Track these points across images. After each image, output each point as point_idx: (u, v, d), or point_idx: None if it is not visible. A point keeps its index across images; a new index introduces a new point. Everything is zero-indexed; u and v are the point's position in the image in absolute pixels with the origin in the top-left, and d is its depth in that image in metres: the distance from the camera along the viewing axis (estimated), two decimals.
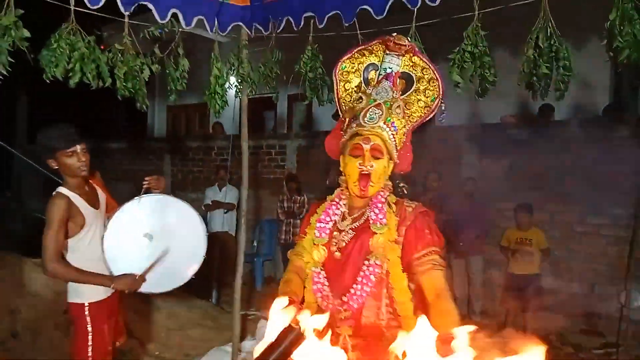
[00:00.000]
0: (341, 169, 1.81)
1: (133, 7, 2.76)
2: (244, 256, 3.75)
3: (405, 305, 1.69)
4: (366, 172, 1.71)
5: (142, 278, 2.63)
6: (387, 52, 1.84)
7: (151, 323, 4.43)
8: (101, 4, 2.62)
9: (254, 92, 3.54)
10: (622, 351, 4.59)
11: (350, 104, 1.85)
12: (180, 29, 3.01)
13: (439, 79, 1.84)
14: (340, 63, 1.91)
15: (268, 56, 3.43)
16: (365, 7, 2.75)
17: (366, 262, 1.69)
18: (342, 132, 1.83)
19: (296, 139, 7.88)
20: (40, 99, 10.82)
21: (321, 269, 1.78)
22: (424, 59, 1.85)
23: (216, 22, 3.21)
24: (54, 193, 2.51)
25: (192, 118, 11.50)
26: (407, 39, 1.81)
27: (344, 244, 1.75)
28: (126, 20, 2.80)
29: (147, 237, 2.76)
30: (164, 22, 2.91)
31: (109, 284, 2.56)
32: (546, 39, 2.30)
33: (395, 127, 1.73)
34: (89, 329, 2.54)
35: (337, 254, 1.76)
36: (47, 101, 10.05)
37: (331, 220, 1.82)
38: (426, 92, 1.86)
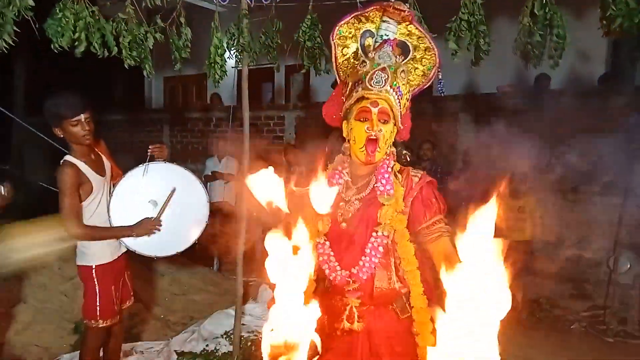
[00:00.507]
0: (345, 135, 1.79)
1: None
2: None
3: (413, 273, 1.70)
4: (374, 137, 1.68)
5: (157, 220, 2.77)
6: (384, 19, 1.80)
7: (155, 288, 4.58)
8: None
9: (253, 63, 3.58)
10: (609, 313, 4.78)
11: (352, 68, 1.83)
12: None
13: (435, 49, 1.82)
14: (337, 27, 1.86)
15: (269, 26, 3.46)
16: None
17: (374, 234, 1.70)
18: (343, 98, 1.81)
19: (294, 110, 7.91)
20: (36, 70, 10.76)
21: (325, 240, 1.77)
22: (420, 28, 1.83)
23: None
24: (62, 161, 2.60)
25: (190, 89, 11.47)
26: (406, 6, 1.77)
27: (350, 215, 1.73)
28: None
29: (152, 203, 2.86)
30: None
31: (130, 233, 2.70)
32: (541, 6, 2.35)
33: (400, 91, 1.71)
34: (97, 290, 2.67)
35: (344, 224, 1.74)
36: (43, 72, 10.00)
37: (336, 189, 1.75)
38: (422, 61, 1.84)
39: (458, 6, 2.57)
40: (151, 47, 2.89)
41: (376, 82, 1.68)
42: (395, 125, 1.73)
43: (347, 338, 1.75)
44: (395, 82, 1.70)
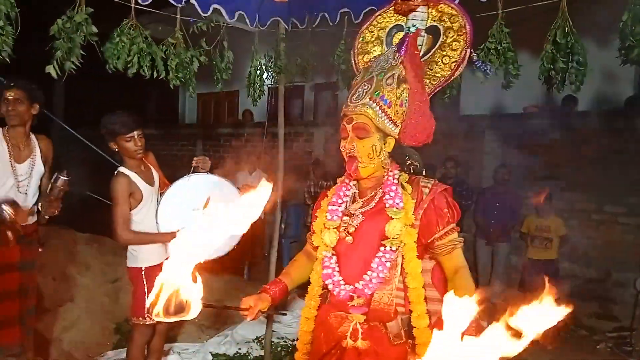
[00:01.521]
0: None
1: (184, 2, 3.04)
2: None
3: (418, 291, 1.60)
4: (350, 155, 1.64)
5: None
6: (408, 9, 1.72)
7: None
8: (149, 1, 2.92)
9: (291, 84, 3.81)
10: (636, 334, 4.77)
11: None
12: (224, 23, 3.29)
13: (468, 25, 1.68)
14: (359, 35, 1.79)
15: (304, 49, 3.69)
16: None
17: (382, 249, 1.61)
18: None
19: (323, 126, 8.14)
20: (75, 88, 11.28)
21: (333, 254, 1.70)
22: (452, 4, 1.69)
23: (258, 16, 3.49)
24: (115, 172, 2.86)
25: (222, 105, 11.84)
26: None
27: (353, 229, 1.66)
28: (178, 15, 3.09)
29: (196, 212, 3.09)
30: (206, 15, 3.19)
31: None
32: (563, 36, 2.50)
33: (386, 100, 1.60)
34: (145, 289, 2.88)
35: (349, 238, 1.67)
36: (82, 88, 10.50)
37: (343, 202, 1.74)
38: (453, 45, 1.71)
39: (482, 34, 2.73)
40: (196, 70, 3.14)
41: (356, 97, 1.63)
42: (387, 135, 1.65)
43: (339, 356, 1.68)
44: (377, 92, 1.60)
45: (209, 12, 3.10)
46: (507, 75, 2.73)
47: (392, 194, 1.63)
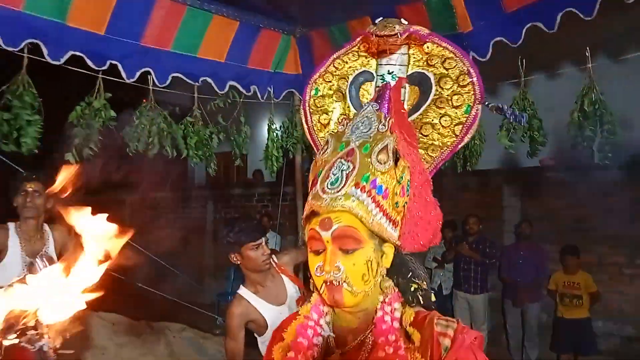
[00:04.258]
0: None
1: (201, 81, 3.05)
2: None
3: None
4: (333, 281, 1.00)
5: None
6: (380, 50, 1.16)
7: None
8: (168, 82, 2.92)
9: (304, 153, 3.79)
10: None
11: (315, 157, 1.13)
12: (240, 99, 3.30)
13: (473, 73, 1.12)
14: (309, 86, 1.24)
15: None
16: None
17: None
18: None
19: None
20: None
21: None
22: (444, 43, 1.14)
23: (272, 89, 3.50)
24: (235, 295, 2.48)
25: (231, 165, 11.89)
26: (402, 21, 1.12)
27: None
28: (195, 95, 3.10)
29: None
30: (222, 92, 3.20)
31: None
32: (591, 103, 2.45)
33: (380, 187, 1.01)
34: None
35: None
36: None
37: (309, 352, 1.06)
38: (454, 100, 1.15)
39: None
40: (215, 147, 3.12)
41: (331, 184, 1.01)
42: (385, 242, 1.04)
43: None
44: (366, 175, 1.00)
45: (226, 89, 3.10)
46: (533, 143, 2.67)
47: (390, 349, 0.99)
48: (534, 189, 5.86)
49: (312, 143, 1.27)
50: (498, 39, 2.61)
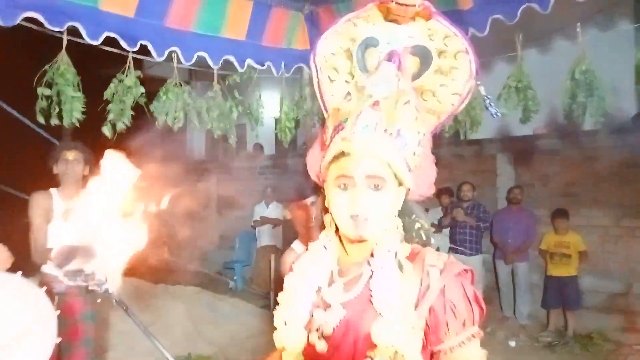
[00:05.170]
0: (326, 203, 1.19)
1: (221, 61, 3.26)
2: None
3: None
4: (360, 215, 1.09)
5: None
6: (390, 19, 1.22)
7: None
8: (193, 61, 3.14)
9: (315, 126, 4.02)
10: None
11: (335, 105, 1.21)
12: (256, 75, 3.52)
13: (470, 51, 1.21)
14: (321, 40, 1.27)
15: None
16: None
17: None
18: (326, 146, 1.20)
19: None
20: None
21: None
22: (445, 24, 1.22)
23: (282, 65, 3.72)
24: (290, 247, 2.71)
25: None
26: None
27: (331, 330, 1.13)
28: (215, 71, 3.31)
29: None
30: (242, 70, 3.42)
31: None
32: (581, 72, 2.71)
33: (404, 136, 1.12)
34: None
35: (322, 345, 1.13)
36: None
37: (313, 284, 1.20)
38: (452, 73, 1.24)
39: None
40: (235, 119, 3.35)
41: (363, 128, 1.10)
42: (401, 185, 1.15)
43: None
44: (393, 124, 1.11)
45: (245, 67, 3.32)
46: (526, 111, 2.94)
47: (382, 279, 1.11)
48: (527, 157, 6.15)
49: (319, 96, 1.32)
50: (496, 16, 2.83)
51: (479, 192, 6.14)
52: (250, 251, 8.23)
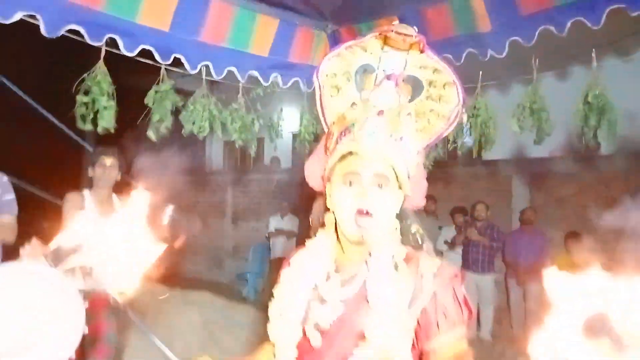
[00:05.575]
0: (327, 203, 1.29)
1: (247, 75, 3.41)
2: None
3: None
4: (366, 212, 1.17)
5: None
6: (385, 49, 1.32)
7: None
8: (224, 74, 3.29)
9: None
10: None
11: (340, 114, 1.31)
12: (280, 89, 3.66)
13: (457, 82, 1.32)
14: (325, 61, 1.38)
15: None
16: None
17: (355, 352, 1.14)
18: (327, 152, 1.30)
19: None
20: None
21: None
22: (435, 59, 1.32)
23: (304, 81, 3.86)
24: None
25: (248, 151, 12.22)
26: (414, 29, 1.28)
27: (328, 325, 1.18)
28: (240, 84, 3.46)
29: None
30: (267, 84, 3.56)
31: None
32: (594, 96, 2.80)
33: (406, 143, 1.24)
34: None
35: (317, 339, 1.18)
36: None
37: (310, 280, 1.25)
38: (441, 100, 1.34)
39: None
40: (257, 131, 3.49)
41: (370, 133, 1.21)
42: (400, 189, 1.24)
43: None
44: (397, 132, 1.22)
45: (269, 82, 3.46)
46: (540, 132, 3.02)
47: (378, 278, 1.16)
48: (542, 179, 6.20)
49: (320, 110, 1.41)
50: (514, 38, 2.94)
51: (494, 212, 6.19)
52: (263, 263, 8.34)
